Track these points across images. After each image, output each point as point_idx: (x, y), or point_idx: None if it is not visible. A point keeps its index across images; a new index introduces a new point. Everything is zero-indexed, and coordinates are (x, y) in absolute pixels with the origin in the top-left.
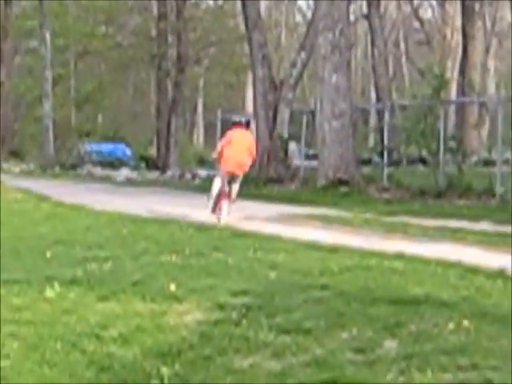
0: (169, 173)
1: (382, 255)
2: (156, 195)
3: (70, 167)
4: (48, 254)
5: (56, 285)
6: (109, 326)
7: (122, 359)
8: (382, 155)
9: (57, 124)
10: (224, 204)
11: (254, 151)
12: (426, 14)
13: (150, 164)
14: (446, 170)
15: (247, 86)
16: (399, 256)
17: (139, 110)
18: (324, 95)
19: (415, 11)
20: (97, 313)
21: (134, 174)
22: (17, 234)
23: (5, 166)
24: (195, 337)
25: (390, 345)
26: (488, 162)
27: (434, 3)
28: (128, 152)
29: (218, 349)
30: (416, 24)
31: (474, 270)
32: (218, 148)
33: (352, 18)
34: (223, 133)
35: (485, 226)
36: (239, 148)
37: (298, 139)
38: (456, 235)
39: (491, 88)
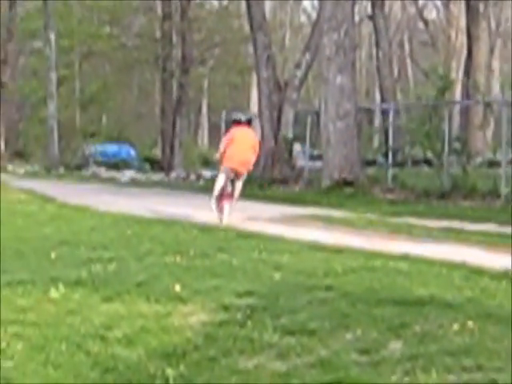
0: (173, 174)
1: (386, 256)
2: (160, 196)
3: (74, 168)
4: (52, 255)
5: (60, 286)
6: (113, 326)
7: (127, 360)
8: (386, 156)
9: (61, 125)
10: (226, 205)
11: (258, 149)
12: (431, 14)
13: (155, 165)
14: (451, 170)
15: (252, 87)
16: (404, 257)
17: (144, 110)
18: (329, 96)
19: (420, 12)
20: (101, 314)
21: (138, 175)
22: (21, 235)
23: (9, 166)
24: (200, 338)
25: (395, 346)
26: (493, 163)
27: (439, 4)
28: (132, 153)
29: (223, 350)
30: (420, 25)
31: (478, 271)
32: (221, 149)
33: (357, 18)
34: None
35: (489, 227)
36: (243, 146)
37: (302, 140)
38: (460, 236)
39: (496, 89)
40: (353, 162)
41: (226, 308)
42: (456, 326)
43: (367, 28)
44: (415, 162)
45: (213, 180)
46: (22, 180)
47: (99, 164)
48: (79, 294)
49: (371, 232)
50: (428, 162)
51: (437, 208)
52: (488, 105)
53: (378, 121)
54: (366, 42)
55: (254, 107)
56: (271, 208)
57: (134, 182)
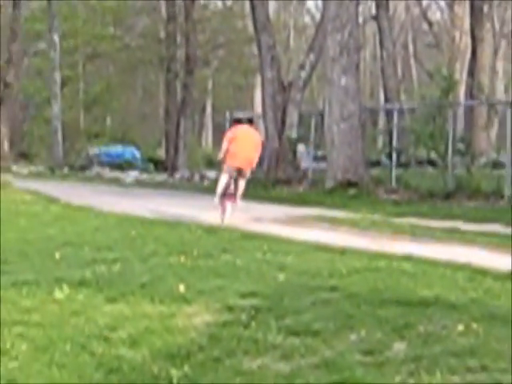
0: (177, 174)
1: (390, 257)
2: (164, 197)
3: (78, 169)
4: (57, 256)
5: (65, 286)
6: (117, 327)
7: (131, 361)
8: (390, 157)
9: (65, 126)
10: (228, 205)
11: (260, 148)
12: (435, 15)
13: (159, 166)
14: (455, 171)
15: (256, 88)
16: (408, 258)
17: (148, 111)
18: (333, 97)
19: (424, 13)
20: (105, 314)
21: (142, 176)
22: (25, 236)
23: (13, 167)
24: (204, 338)
25: (399, 346)
26: (497, 164)
27: (443, 5)
28: (137, 154)
29: (227, 350)
30: (425, 26)
31: (482, 272)
32: (224, 148)
33: (361, 19)
34: None
35: (493, 227)
36: (246, 144)
37: (306, 141)
38: (464, 237)
39: (500, 90)
40: (357, 162)
41: (230, 309)
42: (460, 327)
43: (371, 29)
44: (419, 163)
45: (217, 180)
46: (26, 180)
47: (103, 165)
48: (83, 294)
49: (375, 233)
50: (432, 163)
51: (441, 209)
52: (492, 106)
53: (382, 122)
54: (371, 43)
55: (258, 108)
56: (275, 209)
57: (138, 183)
